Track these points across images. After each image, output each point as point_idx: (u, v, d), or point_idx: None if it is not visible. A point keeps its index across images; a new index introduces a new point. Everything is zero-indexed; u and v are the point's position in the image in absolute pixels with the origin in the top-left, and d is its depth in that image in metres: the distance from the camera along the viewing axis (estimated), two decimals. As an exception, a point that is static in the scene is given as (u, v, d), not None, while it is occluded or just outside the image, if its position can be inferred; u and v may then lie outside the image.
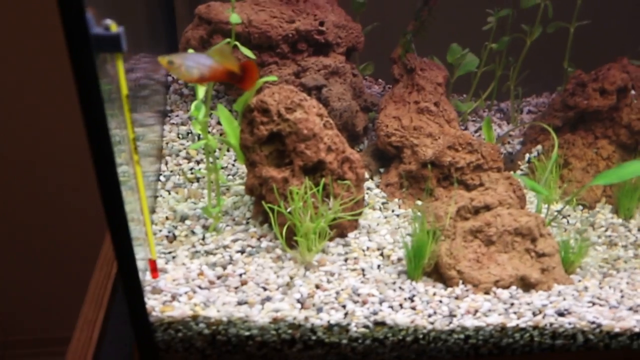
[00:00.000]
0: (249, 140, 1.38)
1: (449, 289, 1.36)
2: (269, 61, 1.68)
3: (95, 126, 0.91)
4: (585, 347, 1.36)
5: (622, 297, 1.42)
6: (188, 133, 1.71)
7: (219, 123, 1.72)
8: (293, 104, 1.36)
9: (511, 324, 1.29)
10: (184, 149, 1.68)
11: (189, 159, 1.66)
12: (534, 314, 1.32)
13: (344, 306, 1.27)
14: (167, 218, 1.47)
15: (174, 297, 1.23)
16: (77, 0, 0.81)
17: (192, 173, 1.62)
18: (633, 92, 1.76)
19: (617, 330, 1.33)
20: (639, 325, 1.34)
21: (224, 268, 1.33)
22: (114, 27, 0.90)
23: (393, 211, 1.61)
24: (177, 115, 1.79)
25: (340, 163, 1.42)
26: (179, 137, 1.72)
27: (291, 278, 1.32)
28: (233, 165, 1.67)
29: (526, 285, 1.41)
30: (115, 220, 1.01)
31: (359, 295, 1.30)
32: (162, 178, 1.60)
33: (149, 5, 1.74)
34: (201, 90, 1.27)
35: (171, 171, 1.63)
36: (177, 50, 1.84)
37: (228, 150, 1.67)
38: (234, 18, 1.27)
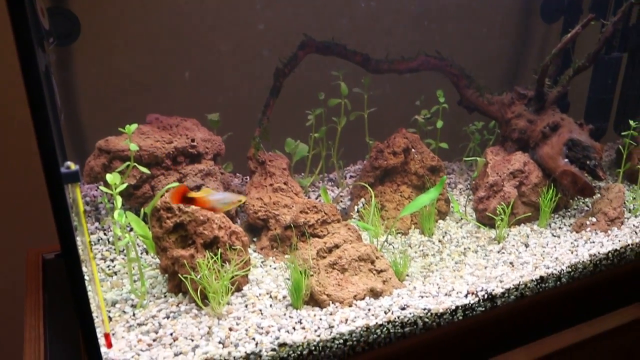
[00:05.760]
0: (159, 232, 1.72)
1: (324, 309, 1.69)
2: (158, 173, 2.04)
3: (65, 238, 1.29)
4: (424, 328, 1.71)
5: (439, 288, 1.83)
6: (99, 239, 2.03)
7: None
8: (189, 200, 1.75)
9: (372, 323, 1.62)
10: (99, 252, 1.99)
11: (104, 259, 1.95)
12: (385, 313, 1.67)
13: (253, 338, 1.55)
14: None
15: (124, 361, 1.51)
16: (53, 155, 1.22)
17: (109, 269, 1.92)
18: (413, 150, 2.36)
19: (440, 310, 1.72)
20: (453, 304, 1.75)
21: (156, 332, 1.61)
22: (73, 166, 1.30)
23: (270, 266, 2.00)
24: (83, 229, 2.10)
25: (229, 236, 1.80)
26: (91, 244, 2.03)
27: (209, 328, 1.61)
28: (141, 257, 1.99)
29: (375, 294, 1.76)
30: (81, 308, 1.36)
31: (262, 328, 1.60)
32: (87, 278, 1.88)
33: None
34: (119, 200, 1.65)
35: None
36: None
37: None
38: (133, 147, 1.70)
